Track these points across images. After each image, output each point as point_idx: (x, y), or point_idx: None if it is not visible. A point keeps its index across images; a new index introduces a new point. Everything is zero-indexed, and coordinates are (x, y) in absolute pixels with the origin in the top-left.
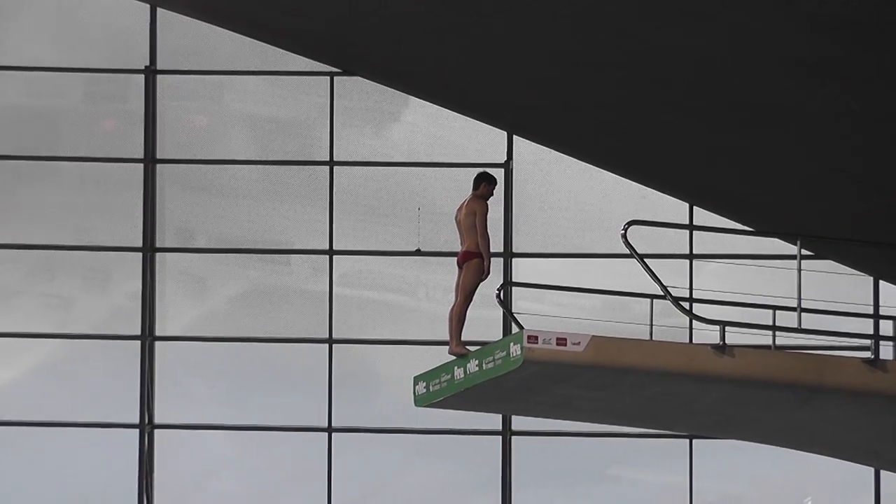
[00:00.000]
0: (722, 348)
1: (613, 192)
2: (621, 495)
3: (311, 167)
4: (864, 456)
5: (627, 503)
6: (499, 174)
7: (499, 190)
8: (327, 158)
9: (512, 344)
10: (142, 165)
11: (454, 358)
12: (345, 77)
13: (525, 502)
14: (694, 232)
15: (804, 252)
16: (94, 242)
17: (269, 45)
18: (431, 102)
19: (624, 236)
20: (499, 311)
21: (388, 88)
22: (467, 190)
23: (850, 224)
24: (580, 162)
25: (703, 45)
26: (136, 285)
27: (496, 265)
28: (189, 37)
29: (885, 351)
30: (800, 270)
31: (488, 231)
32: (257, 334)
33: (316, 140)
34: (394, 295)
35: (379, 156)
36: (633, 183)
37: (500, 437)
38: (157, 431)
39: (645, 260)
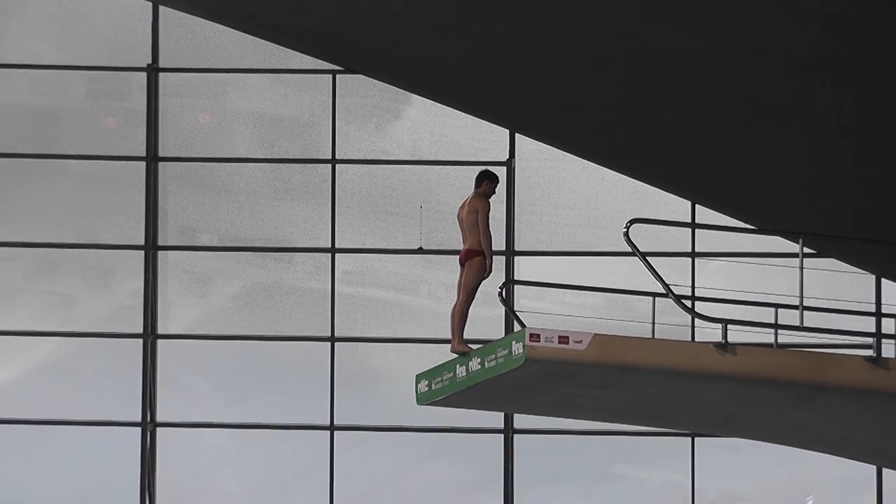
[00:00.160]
0: (724, 346)
1: (615, 191)
2: (623, 493)
3: (314, 165)
4: (866, 454)
5: (629, 501)
6: (501, 172)
7: (501, 188)
8: (330, 156)
9: (514, 342)
10: (144, 163)
11: (456, 356)
12: (347, 75)
13: (527, 500)
14: (696, 230)
15: (806, 250)
16: (97, 240)
17: (271, 43)
18: (434, 100)
19: (626, 234)
20: (501, 310)
21: (391, 86)
22: (469, 188)
23: (853, 222)
24: (582, 160)
25: (704, 44)
26: (139, 283)
27: (498, 263)
28: (191, 35)
29: (887, 349)
30: (802, 269)
31: (490, 229)
32: (259, 332)
33: (318, 138)
34: (396, 293)
35: (381, 154)
36: (636, 181)
37: (502, 436)
38: (159, 430)
39: (647, 258)
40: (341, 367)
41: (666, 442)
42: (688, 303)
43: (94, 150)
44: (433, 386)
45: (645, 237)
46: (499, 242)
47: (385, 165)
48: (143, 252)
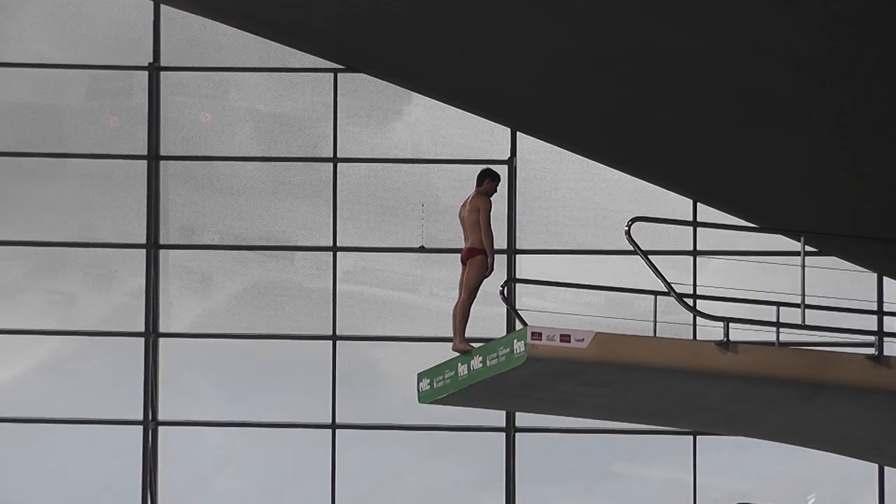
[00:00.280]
0: (726, 345)
1: (617, 189)
2: (625, 492)
3: (315, 164)
4: (868, 452)
5: (631, 500)
6: (502, 171)
7: (502, 186)
8: (331, 155)
9: (515, 340)
10: (146, 162)
11: (458, 354)
12: (349, 74)
13: (529, 499)
14: (698, 228)
15: (808, 248)
16: (98, 239)
17: (272, 42)
18: (435, 99)
19: (628, 233)
20: (502, 308)
21: (392, 85)
22: (471, 187)
23: (854, 220)
24: (584, 159)
25: (705, 43)
26: (140, 282)
27: (500, 262)
28: (192, 33)
29: (889, 347)
30: (804, 267)
31: (492, 228)
32: (261, 331)
33: (320, 137)
34: (397, 292)
35: (383, 152)
36: (637, 180)
37: (504, 434)
38: (160, 428)
39: (649, 256)
40: (343, 366)
41: (668, 440)
42: (689, 301)
43: (96, 149)
44: (435, 384)
45: (646, 236)
46: (500, 241)
47: (386, 164)
48: (144, 251)
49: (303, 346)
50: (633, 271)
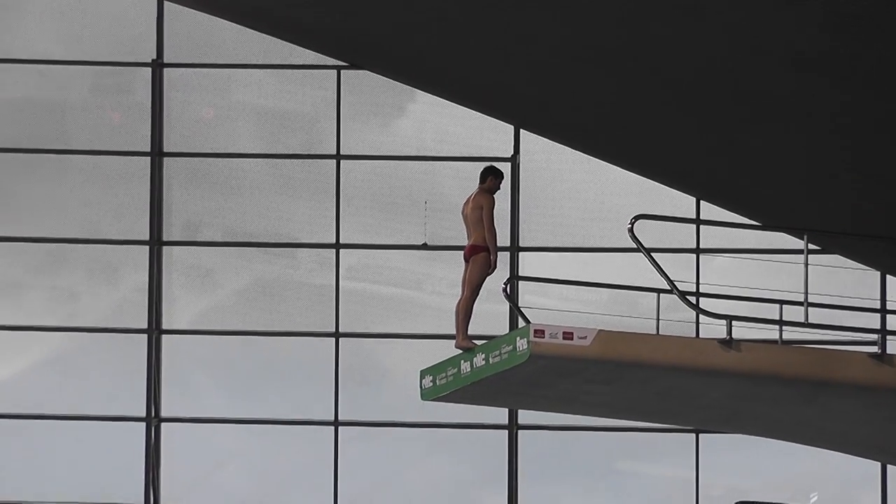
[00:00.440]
0: (729, 343)
1: (620, 187)
2: (627, 489)
3: (318, 161)
4: (871, 451)
5: (634, 497)
6: (506, 168)
7: (506, 184)
8: (334, 152)
9: (518, 338)
10: (148, 158)
11: (461, 352)
12: (352, 71)
13: (531, 496)
14: (701, 226)
15: (811, 247)
16: (101, 235)
17: (275, 39)
18: (438, 96)
19: (631, 230)
20: (505, 305)
21: (395, 82)
22: (474, 184)
23: (857, 219)
24: (587, 156)
25: (709, 41)
26: (143, 278)
27: (503, 259)
28: (196, 30)
29: (892, 345)
30: (807, 265)
31: (495, 225)
32: (264, 328)
33: (322, 134)
34: (400, 289)
35: (386, 150)
36: (640, 177)
37: (507, 431)
38: (163, 425)
39: (652, 254)
40: (345, 363)
41: (670, 438)
42: (692, 299)
43: (99, 146)
44: (437, 381)
45: (650, 233)
46: (503, 238)
47: (390, 161)
48: (147, 247)
49: (305, 342)
50: (637, 269)
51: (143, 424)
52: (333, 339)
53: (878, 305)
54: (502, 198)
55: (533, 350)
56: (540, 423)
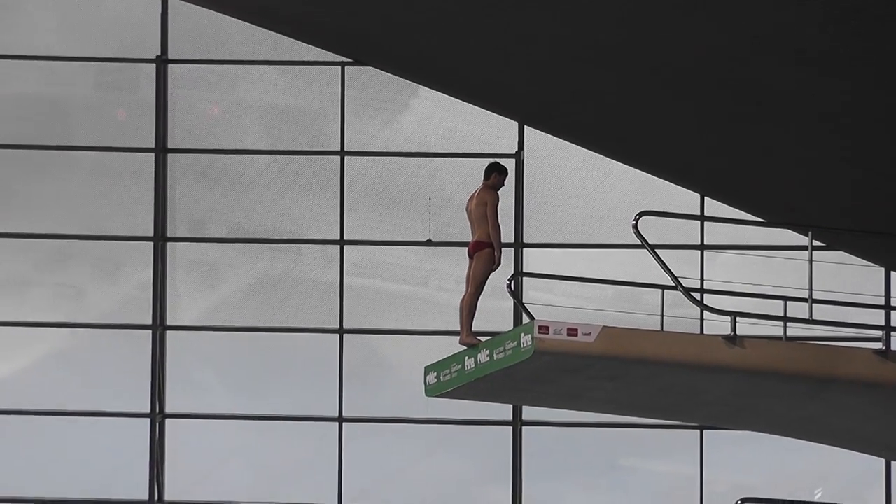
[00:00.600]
0: (733, 339)
1: (624, 183)
2: (631, 486)
3: (323, 157)
4: (875, 447)
5: (638, 494)
6: (510, 164)
7: (510, 180)
8: (338, 148)
9: (522, 334)
10: (153, 155)
11: (465, 348)
12: (356, 67)
13: (535, 493)
14: (705, 223)
15: (815, 243)
16: (106, 232)
17: (280, 35)
18: (443, 93)
19: (635, 227)
20: (510, 302)
21: (400, 78)
22: (478, 180)
23: (862, 215)
24: (591, 152)
25: (714, 37)
26: (148, 275)
27: (507, 255)
28: (200, 26)
29: None
30: (811, 261)
31: (499, 221)
32: (268, 324)
33: (327, 130)
34: (405, 285)
35: (390, 146)
36: (645, 173)
37: (511, 428)
38: (168, 421)
39: (656, 251)
40: (350, 359)
41: (674, 434)
42: (696, 295)
43: (103, 142)
44: (442, 378)
45: (654, 230)
46: (507, 235)
47: (394, 157)
48: (152, 243)
49: (310, 339)
50: (641, 265)
51: (148, 420)
52: (338, 336)
53: (882, 302)
54: (506, 194)
55: (537, 346)
56: (544, 420)
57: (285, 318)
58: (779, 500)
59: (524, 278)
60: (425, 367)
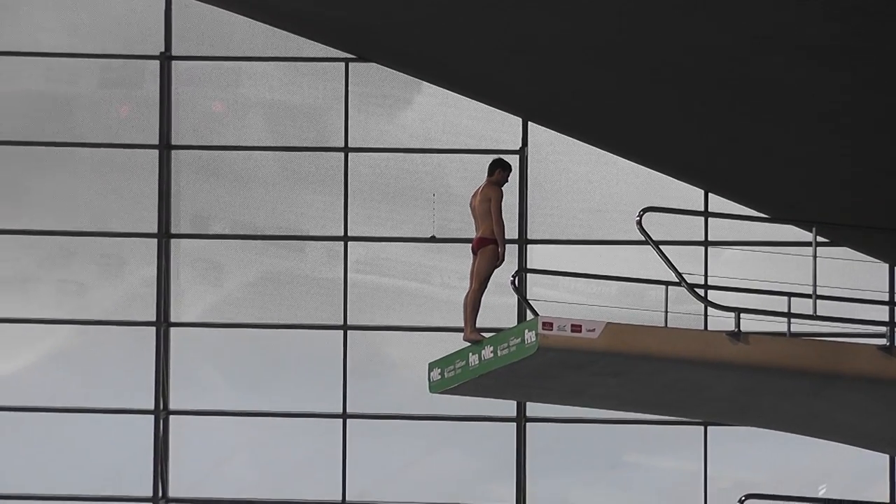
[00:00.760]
0: (737, 335)
1: (628, 179)
2: (636, 482)
3: (326, 153)
4: (880, 443)
5: (641, 490)
6: (514, 160)
7: (513, 176)
8: (342, 145)
9: (527, 331)
10: (157, 151)
11: (469, 344)
12: (360, 63)
13: (539, 489)
14: (709, 219)
15: (820, 239)
16: (110, 228)
17: (283, 31)
18: (446, 89)
19: (639, 223)
20: (513, 298)
21: (403, 75)
22: (482, 176)
23: (866, 211)
24: (595, 148)
25: (718, 33)
26: (151, 271)
27: (511, 252)
28: (204, 23)
29: None
30: (815, 257)
31: (503, 217)
32: (272, 321)
33: (331, 126)
34: (408, 281)
35: (394, 142)
36: (649, 169)
37: (515, 424)
38: (171, 417)
39: (660, 247)
40: (354, 356)
41: (678, 431)
42: (701, 291)
43: (107, 138)
44: (446, 374)
45: (658, 226)
46: (511, 231)
47: (397, 154)
48: (156, 240)
49: (314, 335)
50: (645, 261)
51: (152, 417)
52: (342, 332)
53: (886, 298)
54: (510, 190)
55: (541, 343)
56: (548, 416)
57: (289, 314)
58: (783, 497)
59: (528, 274)
60: (429, 364)
